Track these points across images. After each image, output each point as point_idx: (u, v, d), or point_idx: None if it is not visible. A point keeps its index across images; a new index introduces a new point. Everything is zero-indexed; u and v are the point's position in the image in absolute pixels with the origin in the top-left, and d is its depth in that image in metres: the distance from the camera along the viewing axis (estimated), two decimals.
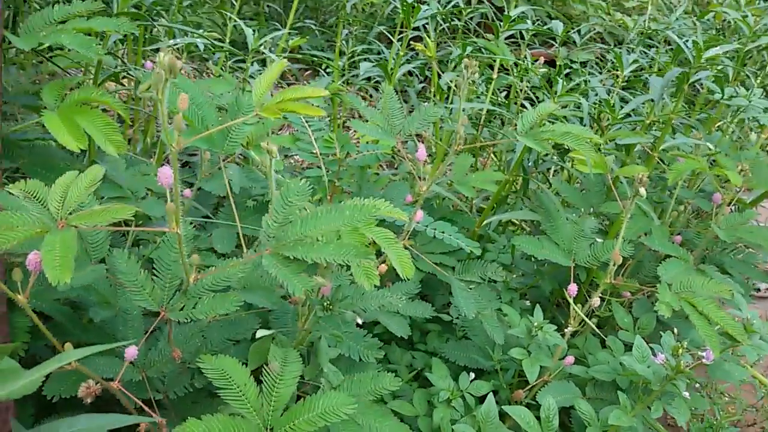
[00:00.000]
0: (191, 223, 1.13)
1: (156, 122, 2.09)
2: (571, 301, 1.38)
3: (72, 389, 1.04)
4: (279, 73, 0.84)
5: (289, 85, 2.97)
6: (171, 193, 0.86)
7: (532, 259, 1.81)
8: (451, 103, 1.91)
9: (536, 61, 1.98)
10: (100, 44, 1.07)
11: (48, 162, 1.18)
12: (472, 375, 1.41)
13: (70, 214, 0.83)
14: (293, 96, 0.81)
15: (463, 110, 1.33)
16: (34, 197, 0.85)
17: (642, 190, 1.34)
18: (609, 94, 1.97)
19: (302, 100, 0.82)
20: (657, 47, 2.89)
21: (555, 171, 2.26)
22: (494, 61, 2.00)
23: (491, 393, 1.31)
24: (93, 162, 1.31)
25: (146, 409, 0.97)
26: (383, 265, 1.15)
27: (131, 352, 0.93)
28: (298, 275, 0.93)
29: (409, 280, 1.32)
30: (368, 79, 2.67)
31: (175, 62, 0.78)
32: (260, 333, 1.05)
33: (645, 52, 3.02)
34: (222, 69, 1.96)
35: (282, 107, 0.80)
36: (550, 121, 1.58)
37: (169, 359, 1.07)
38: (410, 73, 2.93)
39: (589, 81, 1.93)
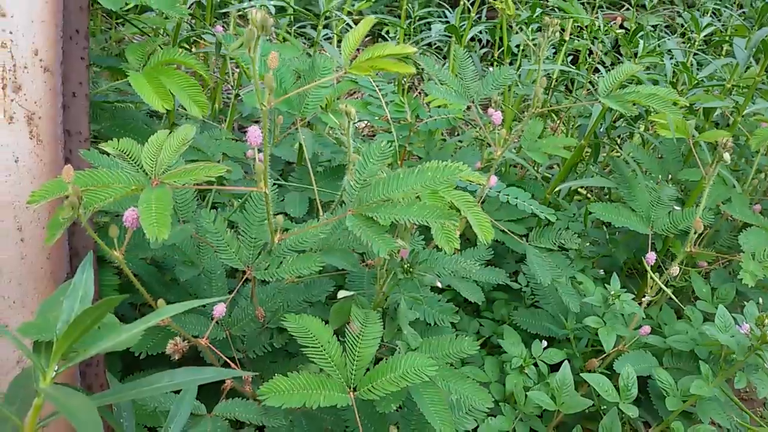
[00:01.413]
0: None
1: (222, 89, 2.10)
2: (648, 269, 1.35)
3: (159, 346, 1.07)
4: (368, 29, 0.82)
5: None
6: (260, 152, 0.87)
7: (604, 227, 1.77)
8: (519, 66, 1.86)
9: (609, 23, 1.92)
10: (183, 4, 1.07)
11: (129, 125, 1.20)
12: (545, 343, 1.39)
13: (164, 172, 0.84)
14: (382, 53, 0.80)
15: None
16: (128, 156, 0.86)
17: (726, 156, 1.30)
18: (685, 57, 1.90)
19: (391, 57, 0.80)
20: (729, 9, 2.77)
21: (623, 139, 2.19)
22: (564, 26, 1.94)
23: (566, 360, 1.30)
24: (174, 125, 1.32)
25: (233, 366, 0.98)
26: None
27: (220, 309, 0.94)
28: (382, 236, 0.92)
29: (487, 244, 1.30)
30: (429, 44, 2.64)
31: (267, 19, 0.77)
32: (341, 294, 1.05)
33: (715, 15, 2.90)
34: (287, 34, 1.96)
35: (373, 64, 0.79)
36: (625, 84, 1.53)
37: (251, 318, 1.08)
38: (472, 38, 2.88)
39: (665, 44, 1.85)
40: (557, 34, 1.19)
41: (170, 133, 0.88)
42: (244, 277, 0.99)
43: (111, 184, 0.81)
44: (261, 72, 0.83)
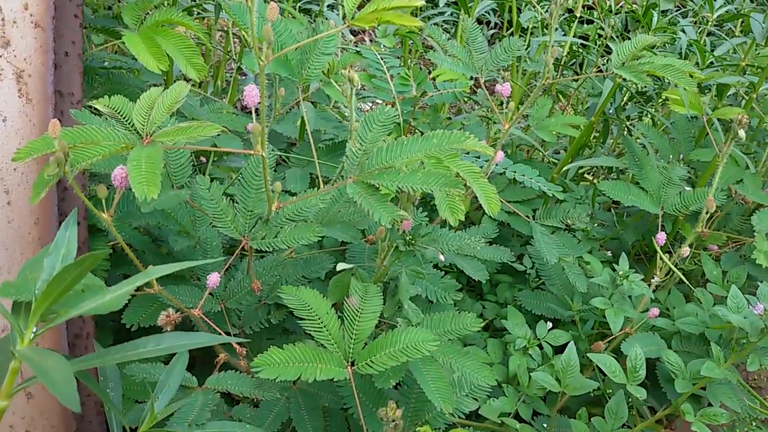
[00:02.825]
0: None
1: (225, 68, 2.07)
2: (658, 249, 1.31)
3: (151, 318, 1.03)
4: None
5: (355, 34, 2.90)
6: (257, 113, 0.83)
7: (612, 210, 1.73)
8: (529, 44, 1.82)
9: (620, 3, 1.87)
10: None
11: (124, 90, 1.16)
12: (549, 324, 1.35)
13: (155, 131, 0.80)
14: (388, 5, 0.76)
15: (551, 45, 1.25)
16: (119, 113, 0.82)
17: (741, 132, 1.25)
18: (698, 37, 1.85)
19: (398, 10, 0.76)
20: None
21: (632, 122, 2.15)
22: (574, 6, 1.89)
23: (572, 342, 1.26)
24: None
25: (227, 337, 0.95)
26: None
27: (214, 279, 0.91)
28: (384, 204, 0.88)
29: (493, 216, 1.26)
30: (436, 25, 2.59)
31: None
32: (341, 266, 1.01)
33: (728, 1, 2.84)
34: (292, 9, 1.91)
35: (378, 16, 0.75)
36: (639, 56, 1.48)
37: (247, 291, 1.05)
38: (479, 21, 2.83)
39: (678, 22, 1.81)
40: (569, 1, 1.14)
41: (164, 90, 0.84)
42: (240, 247, 0.95)
43: (100, 142, 0.77)
44: (258, 28, 0.80)
